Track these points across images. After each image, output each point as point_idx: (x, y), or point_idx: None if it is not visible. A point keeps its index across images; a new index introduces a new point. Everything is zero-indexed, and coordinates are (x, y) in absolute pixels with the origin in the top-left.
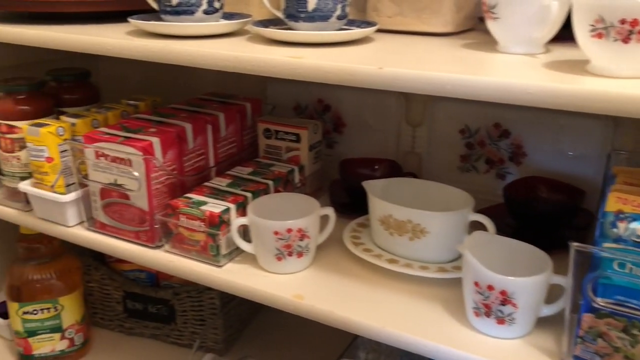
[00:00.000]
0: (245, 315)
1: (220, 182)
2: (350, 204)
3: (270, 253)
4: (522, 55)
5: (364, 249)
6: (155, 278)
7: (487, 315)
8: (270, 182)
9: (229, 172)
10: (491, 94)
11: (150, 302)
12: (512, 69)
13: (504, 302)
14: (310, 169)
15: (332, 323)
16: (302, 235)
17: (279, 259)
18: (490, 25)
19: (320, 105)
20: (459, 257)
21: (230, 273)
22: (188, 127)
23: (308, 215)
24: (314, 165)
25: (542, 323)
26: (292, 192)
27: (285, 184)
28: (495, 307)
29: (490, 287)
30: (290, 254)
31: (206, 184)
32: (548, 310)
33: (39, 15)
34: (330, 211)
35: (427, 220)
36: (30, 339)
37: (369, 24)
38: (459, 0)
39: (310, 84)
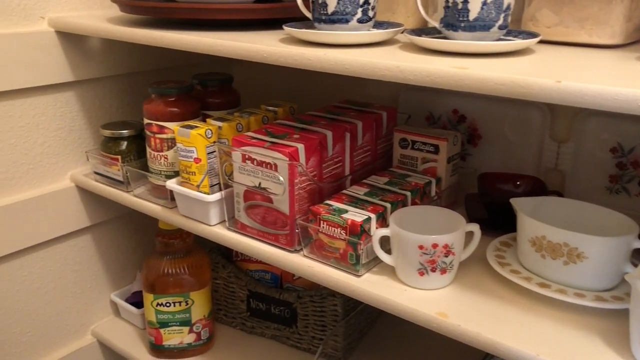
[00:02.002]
0: (364, 324)
1: (358, 191)
2: (489, 220)
3: (413, 267)
4: None
5: (511, 270)
6: (279, 280)
7: None
8: (408, 194)
9: (365, 181)
10: None
11: (273, 303)
12: None
13: None
14: (447, 182)
15: (479, 345)
16: (448, 251)
17: (421, 274)
18: None
19: (455, 116)
20: (617, 285)
21: (369, 283)
22: (329, 135)
23: (455, 231)
24: (451, 178)
25: None
26: (431, 205)
27: (422, 196)
28: None
29: None
30: (433, 270)
31: (344, 191)
32: None
33: (186, 21)
34: (475, 228)
35: (586, 245)
36: (161, 330)
37: (529, 34)
38: (628, 10)
39: (445, 94)
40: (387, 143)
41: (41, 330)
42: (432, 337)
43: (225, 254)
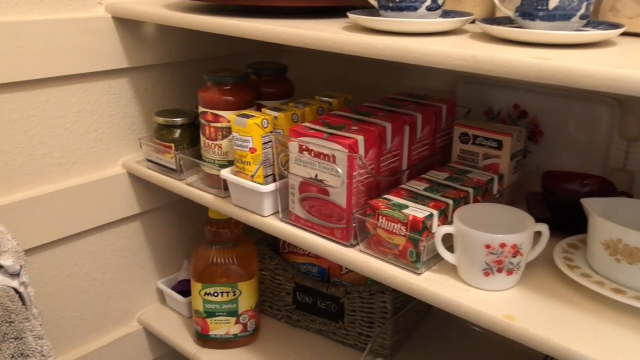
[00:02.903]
0: (412, 323)
1: (418, 186)
2: (553, 221)
3: (477, 267)
4: None
5: (581, 273)
6: (327, 274)
7: None
8: (471, 190)
9: (424, 176)
10: None
11: (320, 297)
12: None
13: None
14: (509, 180)
15: (549, 351)
16: (516, 251)
17: (487, 274)
18: None
19: (516, 111)
20: None
21: (429, 282)
22: (388, 127)
23: (523, 231)
24: (513, 176)
25: None
26: (495, 203)
27: (483, 193)
28: None
29: None
30: (499, 270)
31: (403, 186)
32: None
33: (240, 8)
34: (544, 228)
35: None
36: (208, 320)
37: (610, 25)
38: None
39: (506, 88)
40: (445, 137)
41: (89, 315)
42: (480, 338)
43: (272, 246)
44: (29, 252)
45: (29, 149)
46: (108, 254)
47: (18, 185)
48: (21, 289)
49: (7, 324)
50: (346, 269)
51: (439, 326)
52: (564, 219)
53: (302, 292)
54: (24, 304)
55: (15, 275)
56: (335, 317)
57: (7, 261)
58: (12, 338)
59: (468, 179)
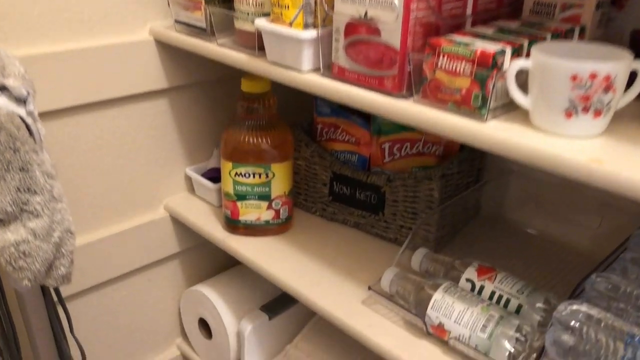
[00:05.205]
0: (459, 219)
1: (485, 30)
2: None
3: (558, 107)
4: None
5: None
6: (367, 162)
7: None
8: (548, 35)
9: (492, 23)
10: None
11: (359, 187)
12: None
13: None
14: (591, 34)
15: None
16: (609, 85)
17: (569, 114)
18: None
19: None
20: None
21: (497, 130)
22: None
23: (618, 60)
24: (597, 31)
25: None
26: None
27: None
28: None
29: None
30: (585, 110)
31: (467, 29)
32: None
33: None
34: None
35: None
36: (238, 203)
37: None
38: None
39: None
40: None
41: (112, 196)
42: (532, 240)
43: (308, 133)
44: (44, 116)
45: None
46: (133, 130)
47: (33, 39)
48: (29, 120)
49: (12, 152)
50: (390, 156)
51: (488, 226)
52: None
53: (340, 182)
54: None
55: (21, 101)
56: (375, 209)
57: (13, 82)
58: (17, 169)
59: (544, 27)
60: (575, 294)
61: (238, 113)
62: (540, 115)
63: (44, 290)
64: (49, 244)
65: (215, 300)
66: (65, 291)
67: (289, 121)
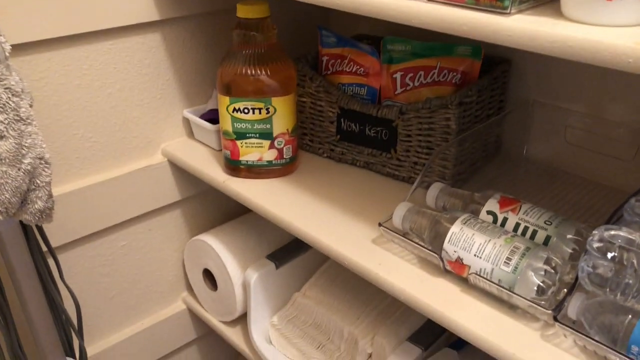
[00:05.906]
0: (478, 155)
1: None
2: None
3: None
4: None
5: None
6: (378, 95)
7: None
8: None
9: None
10: None
11: (368, 122)
12: None
13: None
14: None
15: None
16: None
17: None
18: None
19: None
20: None
21: (522, 22)
22: None
23: None
24: None
25: None
26: None
27: None
28: None
29: None
30: None
31: None
32: None
33: None
34: None
35: None
36: (238, 142)
37: None
38: None
39: None
40: None
41: (105, 138)
42: (560, 176)
43: (313, 66)
44: (28, 47)
45: None
46: (124, 66)
47: None
48: None
49: None
50: (402, 87)
51: (511, 164)
52: None
53: (348, 118)
54: None
55: None
56: (386, 146)
57: None
58: None
59: None
60: (611, 221)
61: (234, 43)
62: (575, 3)
63: (27, 232)
64: (18, 170)
65: (220, 249)
66: (57, 240)
67: (292, 55)
